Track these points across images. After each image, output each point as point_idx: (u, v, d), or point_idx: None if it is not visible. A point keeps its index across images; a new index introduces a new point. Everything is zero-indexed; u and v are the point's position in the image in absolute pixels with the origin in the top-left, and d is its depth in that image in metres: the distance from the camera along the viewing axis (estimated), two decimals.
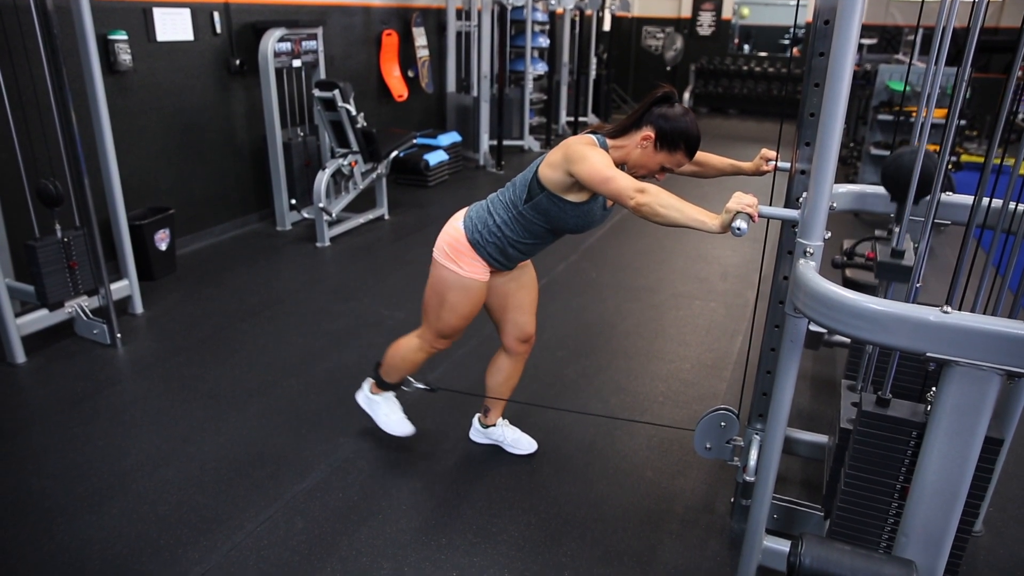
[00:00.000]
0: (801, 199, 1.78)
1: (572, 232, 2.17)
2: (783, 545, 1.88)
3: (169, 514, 2.26)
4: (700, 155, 2.19)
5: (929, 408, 1.50)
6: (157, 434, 2.67)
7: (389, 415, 2.55)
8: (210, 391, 2.98)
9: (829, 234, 1.59)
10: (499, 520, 2.29)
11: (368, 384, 2.59)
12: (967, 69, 1.52)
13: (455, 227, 2.21)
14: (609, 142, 2.05)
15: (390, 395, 2.57)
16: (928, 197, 1.59)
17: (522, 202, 2.11)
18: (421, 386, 2.58)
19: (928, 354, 1.32)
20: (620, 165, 2.06)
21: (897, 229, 1.77)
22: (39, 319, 3.24)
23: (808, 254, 1.57)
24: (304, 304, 3.89)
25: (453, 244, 2.20)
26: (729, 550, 2.19)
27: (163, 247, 4.16)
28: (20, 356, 3.16)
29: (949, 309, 1.31)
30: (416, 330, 2.41)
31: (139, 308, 3.69)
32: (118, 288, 3.54)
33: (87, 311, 3.35)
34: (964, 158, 6.04)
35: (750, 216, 1.63)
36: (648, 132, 1.99)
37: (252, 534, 2.19)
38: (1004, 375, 1.31)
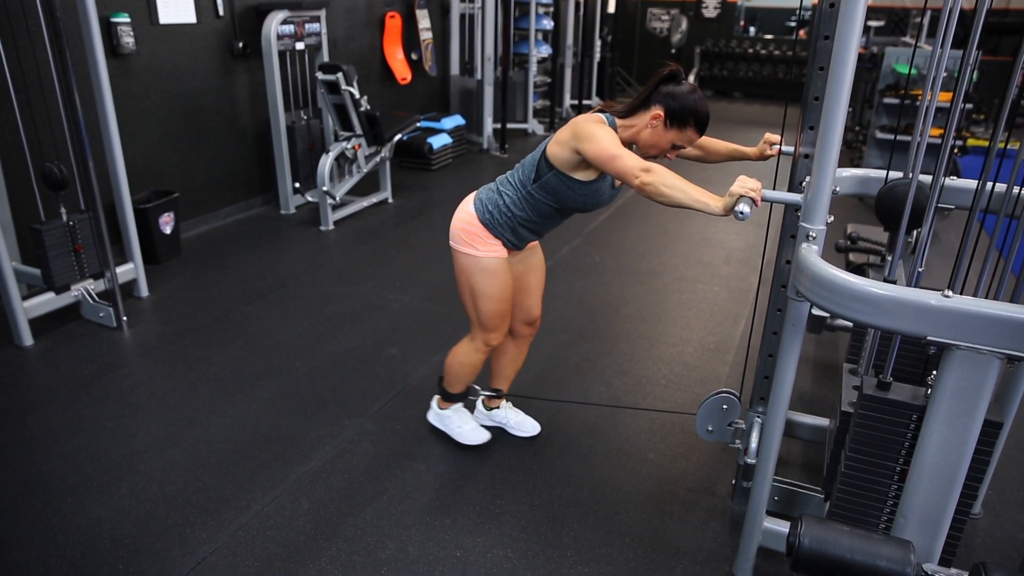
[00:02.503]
0: (804, 183, 1.78)
1: (580, 211, 2.17)
2: (783, 526, 1.90)
3: (177, 494, 2.29)
4: (704, 140, 2.19)
5: (929, 392, 1.51)
6: (164, 416, 2.70)
7: (462, 426, 2.55)
8: (216, 374, 3.01)
9: (832, 218, 1.60)
10: (502, 501, 2.31)
11: (435, 401, 2.59)
12: (973, 51, 1.52)
13: (466, 211, 2.21)
14: (618, 122, 2.05)
15: (459, 406, 2.57)
16: (918, 230, 1.59)
17: (531, 182, 2.11)
18: (488, 392, 2.59)
19: (929, 338, 1.33)
20: (630, 145, 2.06)
21: (890, 258, 1.78)
22: (46, 302, 3.26)
23: (811, 238, 1.57)
24: (308, 287, 3.91)
25: (466, 228, 2.19)
26: (730, 531, 2.21)
27: (167, 230, 4.17)
28: (27, 339, 3.19)
29: (950, 293, 1.31)
30: (467, 335, 2.40)
31: (144, 291, 3.72)
32: (123, 271, 3.56)
33: (93, 294, 3.38)
34: (970, 142, 6.00)
35: (753, 200, 1.64)
36: (657, 111, 1.99)
37: (258, 514, 2.22)
38: (1004, 359, 1.32)
